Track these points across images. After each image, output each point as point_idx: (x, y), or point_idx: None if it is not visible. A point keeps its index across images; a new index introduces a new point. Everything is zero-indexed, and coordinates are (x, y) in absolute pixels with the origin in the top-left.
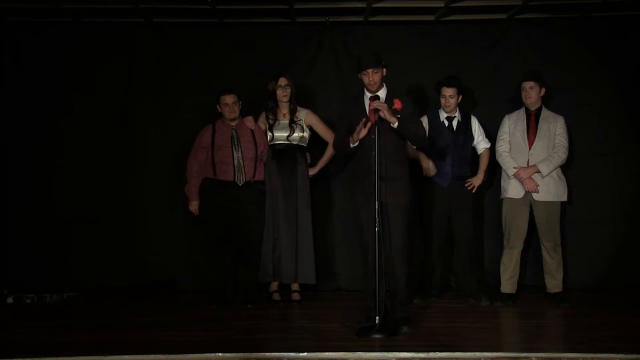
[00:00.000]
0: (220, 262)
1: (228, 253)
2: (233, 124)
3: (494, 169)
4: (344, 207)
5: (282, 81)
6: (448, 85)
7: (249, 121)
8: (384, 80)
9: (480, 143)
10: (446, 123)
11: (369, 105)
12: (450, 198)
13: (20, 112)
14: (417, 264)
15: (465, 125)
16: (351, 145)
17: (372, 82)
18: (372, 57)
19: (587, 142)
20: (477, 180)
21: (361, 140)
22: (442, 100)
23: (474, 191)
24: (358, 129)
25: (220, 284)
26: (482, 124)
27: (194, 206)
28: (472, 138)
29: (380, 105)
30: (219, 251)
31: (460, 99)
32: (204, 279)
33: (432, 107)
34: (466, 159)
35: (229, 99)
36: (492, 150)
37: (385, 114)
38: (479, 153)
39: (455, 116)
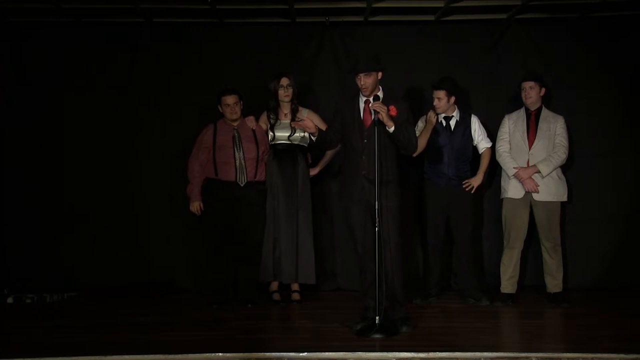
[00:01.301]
0: (221, 262)
1: (229, 253)
2: (234, 124)
3: (494, 169)
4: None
5: (284, 81)
6: (436, 88)
7: (250, 121)
8: (379, 83)
9: (481, 143)
10: (444, 123)
11: (366, 103)
12: (449, 198)
13: (20, 112)
14: (417, 264)
15: (463, 125)
16: (313, 139)
17: (363, 86)
18: (367, 61)
19: (587, 142)
20: (475, 181)
21: (351, 144)
22: (434, 102)
23: (472, 192)
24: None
25: (221, 284)
26: (483, 123)
27: (195, 206)
28: (471, 138)
29: (380, 107)
30: (220, 251)
31: (453, 100)
32: (204, 278)
33: (431, 107)
34: (465, 158)
35: (230, 99)
36: (493, 150)
37: (383, 116)
38: (480, 152)
39: (452, 116)
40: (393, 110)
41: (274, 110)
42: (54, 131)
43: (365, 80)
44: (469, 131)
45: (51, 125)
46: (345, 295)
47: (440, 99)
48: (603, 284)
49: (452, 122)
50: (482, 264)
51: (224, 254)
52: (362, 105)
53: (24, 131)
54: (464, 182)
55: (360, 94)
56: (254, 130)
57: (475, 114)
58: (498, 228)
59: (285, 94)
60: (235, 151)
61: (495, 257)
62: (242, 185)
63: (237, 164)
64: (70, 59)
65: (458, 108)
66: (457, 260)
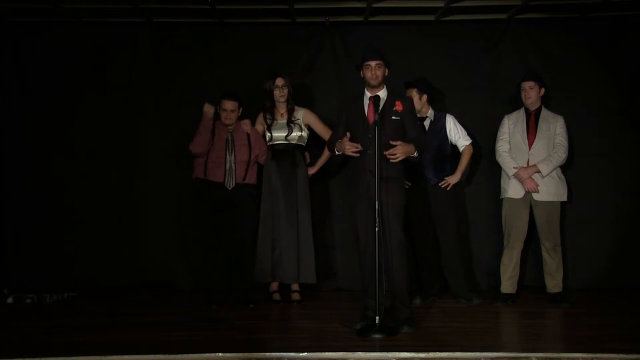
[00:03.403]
0: (215, 262)
1: (221, 253)
2: (229, 127)
3: (493, 169)
4: (343, 206)
5: (279, 81)
6: (407, 87)
7: (246, 125)
8: (384, 80)
9: (459, 141)
10: None
11: (370, 100)
12: (429, 199)
13: (20, 112)
14: (416, 264)
15: (438, 124)
16: (336, 152)
17: (374, 77)
18: (376, 52)
19: (587, 142)
20: (453, 179)
21: (355, 140)
22: None
23: (448, 189)
24: (344, 144)
25: (218, 284)
26: (481, 123)
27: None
28: (447, 137)
29: (396, 154)
30: (214, 251)
31: (425, 98)
32: (203, 278)
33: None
34: (442, 158)
35: (228, 104)
36: (489, 149)
37: (402, 156)
38: (460, 151)
39: (427, 116)
40: (399, 106)
41: (270, 110)
42: (54, 131)
43: (377, 71)
44: (444, 131)
45: (51, 125)
46: (345, 295)
47: (412, 97)
48: (603, 284)
49: (426, 123)
50: (471, 263)
51: (217, 255)
52: (366, 102)
53: (24, 131)
54: (441, 182)
55: (365, 92)
56: (248, 134)
57: (451, 114)
58: (498, 228)
59: (280, 94)
60: (227, 154)
61: (495, 257)
62: (229, 188)
63: (227, 166)
64: (70, 59)
65: (432, 108)
66: (444, 261)
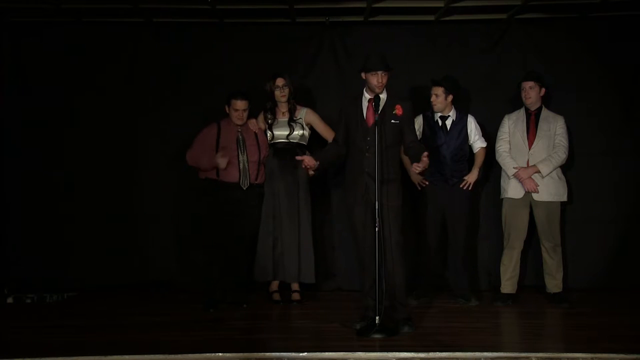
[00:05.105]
0: (216, 263)
1: (226, 253)
2: (239, 127)
3: (494, 169)
4: (343, 206)
5: (280, 81)
6: (435, 84)
7: (253, 124)
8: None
9: (477, 142)
10: (440, 122)
11: (369, 102)
12: (446, 198)
13: (20, 112)
14: (411, 263)
15: (460, 124)
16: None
17: (379, 85)
18: (383, 60)
19: (587, 142)
20: (471, 177)
21: (354, 142)
22: (431, 98)
23: (470, 188)
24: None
25: (210, 286)
26: (481, 123)
27: (220, 157)
28: (467, 138)
29: (421, 169)
30: (218, 252)
31: (450, 98)
32: (202, 279)
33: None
34: (461, 158)
35: (240, 104)
36: (488, 149)
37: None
38: (474, 152)
39: (449, 115)
40: (399, 110)
41: (271, 110)
42: (54, 131)
43: (383, 79)
44: (465, 131)
45: (51, 126)
46: (345, 295)
47: (438, 95)
48: (603, 284)
49: (449, 122)
50: (476, 264)
51: (221, 255)
52: (365, 105)
53: (24, 131)
54: (461, 182)
55: (364, 94)
56: (256, 133)
57: (471, 114)
58: (498, 228)
59: (281, 94)
60: (239, 154)
61: (495, 257)
62: (244, 188)
63: (241, 167)
64: (70, 59)
65: (455, 108)
66: (450, 260)
